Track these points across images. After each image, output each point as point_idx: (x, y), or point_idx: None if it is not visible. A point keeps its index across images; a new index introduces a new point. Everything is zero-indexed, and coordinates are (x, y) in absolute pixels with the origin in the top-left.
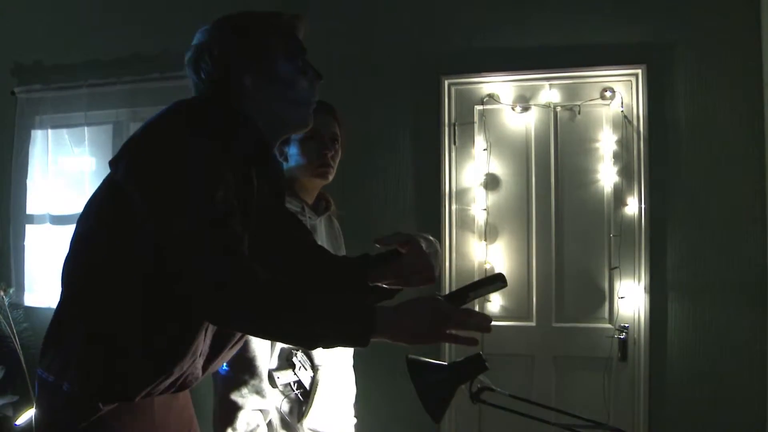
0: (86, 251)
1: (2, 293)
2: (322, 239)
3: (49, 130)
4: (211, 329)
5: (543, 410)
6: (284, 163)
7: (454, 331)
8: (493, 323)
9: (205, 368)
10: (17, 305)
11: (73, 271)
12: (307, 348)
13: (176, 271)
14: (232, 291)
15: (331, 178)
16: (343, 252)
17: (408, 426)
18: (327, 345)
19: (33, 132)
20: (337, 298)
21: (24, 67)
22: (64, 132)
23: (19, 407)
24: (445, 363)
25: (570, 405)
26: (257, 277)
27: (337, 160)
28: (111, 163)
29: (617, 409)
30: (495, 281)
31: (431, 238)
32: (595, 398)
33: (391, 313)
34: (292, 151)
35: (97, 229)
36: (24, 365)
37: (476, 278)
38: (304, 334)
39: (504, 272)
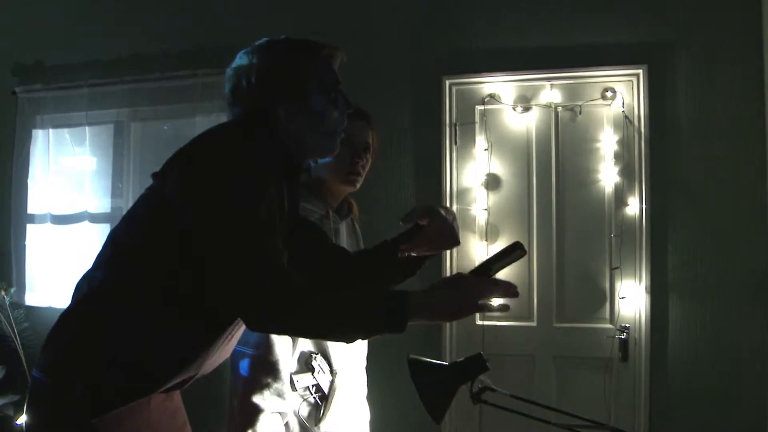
0: (122, 259)
1: (3, 293)
2: (342, 243)
3: (50, 130)
4: (235, 332)
5: (544, 410)
6: (313, 164)
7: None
8: (494, 323)
9: (211, 364)
10: (18, 305)
11: (105, 278)
12: (348, 342)
13: (217, 282)
14: (280, 297)
15: (358, 186)
16: None
17: (409, 426)
18: (367, 336)
19: (34, 131)
20: (370, 292)
21: (25, 66)
22: (65, 131)
23: (19, 406)
24: (446, 363)
25: (570, 405)
26: (299, 284)
27: (367, 169)
28: (156, 176)
29: (618, 409)
30: (514, 250)
31: (447, 206)
32: (596, 398)
33: (423, 296)
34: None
35: (135, 239)
36: (25, 364)
37: None
38: (346, 329)
39: (505, 272)
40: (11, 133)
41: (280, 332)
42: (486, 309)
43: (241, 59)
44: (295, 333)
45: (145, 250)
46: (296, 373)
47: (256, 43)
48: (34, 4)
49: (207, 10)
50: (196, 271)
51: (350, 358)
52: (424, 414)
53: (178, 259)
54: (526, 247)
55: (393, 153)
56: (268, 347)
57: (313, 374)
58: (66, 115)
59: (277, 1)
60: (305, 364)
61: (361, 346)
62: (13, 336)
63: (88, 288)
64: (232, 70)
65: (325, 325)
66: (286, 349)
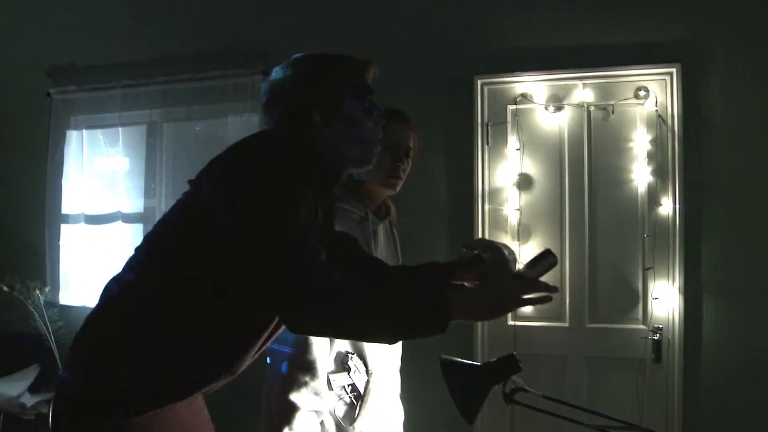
0: (154, 263)
1: (38, 292)
2: (380, 244)
3: (84, 131)
4: (269, 340)
5: (576, 411)
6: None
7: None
8: (526, 324)
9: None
10: (52, 304)
11: (137, 281)
12: (390, 342)
13: (259, 285)
14: (321, 296)
15: (398, 189)
16: (399, 257)
17: (441, 426)
18: (407, 337)
19: (68, 132)
20: (410, 291)
21: (59, 68)
22: (98, 132)
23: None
24: (479, 363)
25: (602, 406)
26: (341, 280)
27: (407, 173)
28: (192, 183)
29: (651, 410)
30: (546, 257)
31: (509, 247)
32: (628, 400)
33: (461, 293)
34: None
35: (168, 243)
36: (59, 363)
37: None
38: (387, 328)
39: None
40: (46, 134)
41: (320, 332)
42: (526, 303)
43: (276, 73)
44: (336, 332)
45: (178, 255)
46: (333, 372)
47: (293, 57)
48: (68, 7)
49: (238, 10)
50: (231, 277)
51: (385, 359)
52: (456, 414)
53: (212, 265)
54: (559, 248)
55: (425, 153)
56: (306, 346)
57: (349, 374)
58: (99, 116)
59: (307, 1)
60: (342, 364)
61: (396, 347)
62: (47, 335)
63: (118, 289)
64: (268, 84)
65: (365, 324)
66: (323, 348)
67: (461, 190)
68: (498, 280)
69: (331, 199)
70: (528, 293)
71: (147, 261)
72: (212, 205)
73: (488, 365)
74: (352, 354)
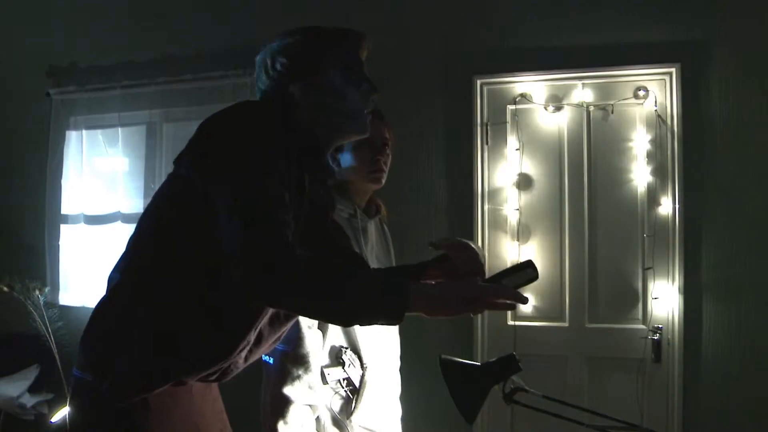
0: (148, 246)
1: (37, 292)
2: (372, 242)
3: (84, 131)
4: (265, 319)
5: (576, 411)
6: (336, 168)
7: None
8: (526, 323)
9: (246, 359)
10: (52, 304)
11: (134, 266)
12: (345, 325)
13: (225, 242)
14: (279, 270)
15: (383, 182)
16: (392, 255)
17: (441, 425)
18: (364, 321)
19: (68, 133)
20: (373, 275)
21: (59, 69)
22: (98, 133)
23: (54, 405)
24: (478, 363)
25: (603, 406)
26: (301, 258)
27: (389, 164)
28: (175, 162)
29: (651, 410)
30: (525, 268)
31: (477, 246)
32: (629, 400)
33: (425, 288)
34: (346, 157)
35: (159, 224)
36: (59, 363)
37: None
38: (343, 311)
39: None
40: (45, 135)
41: (275, 302)
42: (492, 308)
43: (270, 45)
44: (289, 303)
45: (162, 240)
46: (327, 366)
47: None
48: (68, 7)
49: (238, 11)
50: (212, 257)
51: (382, 355)
52: (456, 414)
53: (195, 248)
54: (559, 248)
55: (424, 153)
56: (298, 340)
57: (343, 368)
58: (99, 117)
59: (307, 1)
60: (336, 358)
61: (393, 345)
62: (47, 335)
63: (119, 277)
64: (259, 57)
65: (319, 302)
66: (316, 342)
67: (461, 190)
68: (467, 279)
69: (326, 183)
70: (498, 298)
71: (141, 247)
72: (190, 174)
73: (488, 365)
74: (346, 348)
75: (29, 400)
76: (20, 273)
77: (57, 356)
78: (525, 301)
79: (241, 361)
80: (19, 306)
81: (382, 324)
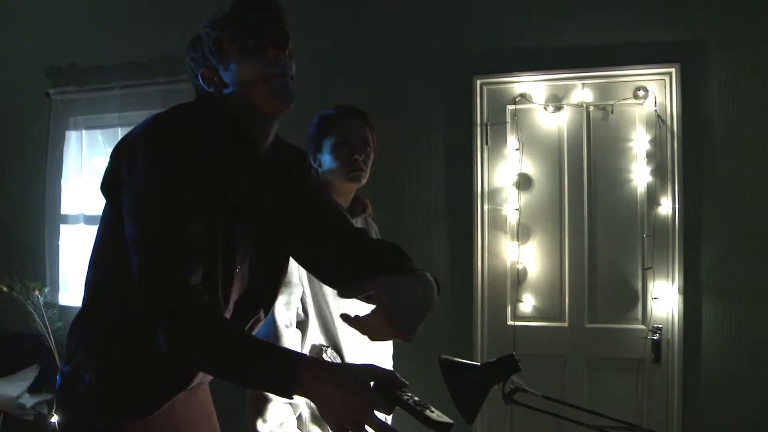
0: (94, 263)
1: (37, 292)
2: None
3: (83, 131)
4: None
5: (575, 411)
6: (318, 169)
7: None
8: (526, 323)
9: None
10: (52, 304)
11: (97, 272)
12: (238, 387)
13: (133, 266)
14: (171, 320)
15: (364, 181)
16: None
17: None
18: (255, 388)
19: (67, 133)
20: (271, 346)
21: (58, 69)
22: (97, 133)
23: (53, 405)
24: (478, 363)
25: (602, 406)
26: (202, 307)
27: (369, 163)
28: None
29: (650, 410)
30: (423, 409)
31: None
32: (628, 400)
33: (318, 377)
34: (325, 157)
35: (100, 243)
36: (59, 364)
37: (507, 280)
38: (233, 375)
39: (537, 272)
40: (45, 135)
41: (172, 351)
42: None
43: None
44: (186, 358)
45: (103, 247)
46: None
47: None
48: (68, 7)
49: None
50: None
51: (366, 353)
52: (456, 414)
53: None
54: (558, 248)
55: (424, 153)
56: (276, 339)
57: None
58: (99, 117)
59: (310, 1)
60: (316, 357)
61: (382, 344)
62: (47, 335)
63: (86, 280)
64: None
65: (212, 363)
66: (294, 342)
67: (460, 190)
68: (355, 383)
69: (292, 157)
70: (366, 422)
71: (91, 262)
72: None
73: (488, 365)
74: (327, 347)
75: (29, 401)
76: (20, 273)
77: (57, 356)
78: None
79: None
80: (19, 306)
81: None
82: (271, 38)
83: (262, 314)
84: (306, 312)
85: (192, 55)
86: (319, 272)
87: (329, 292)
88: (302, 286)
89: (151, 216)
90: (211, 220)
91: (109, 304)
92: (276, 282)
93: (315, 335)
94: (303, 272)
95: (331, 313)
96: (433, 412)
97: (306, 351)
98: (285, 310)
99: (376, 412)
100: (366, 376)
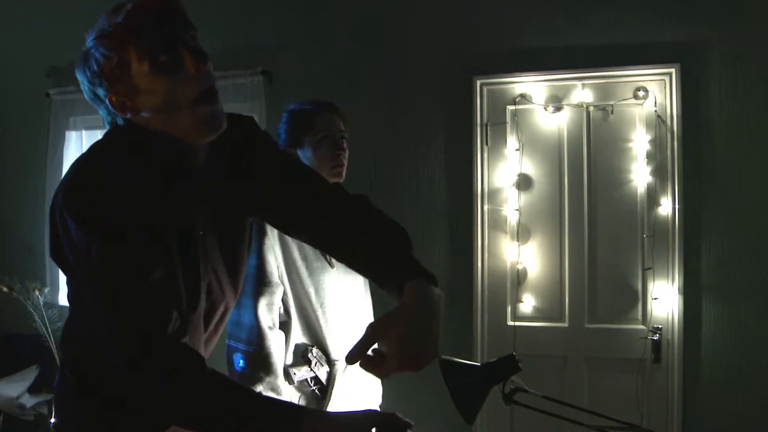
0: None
1: (37, 293)
2: None
3: (83, 132)
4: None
5: (575, 412)
6: None
7: None
8: (526, 324)
9: None
10: (52, 305)
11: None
12: None
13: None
14: (150, 369)
15: (343, 176)
16: None
17: (441, 426)
18: None
19: (67, 133)
20: (273, 401)
21: (58, 69)
22: (98, 133)
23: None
24: (478, 364)
25: (602, 407)
26: (183, 354)
27: (347, 158)
28: None
29: (650, 411)
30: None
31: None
32: (628, 400)
33: (320, 425)
34: (307, 154)
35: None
36: (59, 364)
37: (507, 280)
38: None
39: (537, 272)
40: (45, 135)
41: (161, 413)
42: None
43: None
44: (179, 420)
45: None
46: (292, 366)
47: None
48: (68, 7)
49: (237, 10)
50: None
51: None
52: (456, 414)
53: None
54: (558, 248)
55: (424, 153)
56: (260, 342)
57: (310, 366)
58: (98, 117)
59: (307, 1)
60: (301, 357)
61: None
62: (47, 335)
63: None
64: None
65: (209, 420)
66: (278, 343)
67: (460, 190)
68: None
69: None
70: None
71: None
72: None
73: (488, 365)
74: (312, 346)
75: (29, 401)
76: (20, 273)
77: (57, 357)
78: None
79: None
80: (18, 306)
81: None
82: (186, 48)
83: (231, 304)
84: (288, 312)
85: (87, 75)
86: (332, 251)
87: (311, 290)
88: (283, 285)
89: (108, 291)
90: (167, 260)
91: (84, 334)
92: (240, 271)
93: (299, 335)
94: (283, 271)
95: (314, 311)
96: None
97: (290, 351)
98: (267, 311)
99: None
100: (366, 423)
